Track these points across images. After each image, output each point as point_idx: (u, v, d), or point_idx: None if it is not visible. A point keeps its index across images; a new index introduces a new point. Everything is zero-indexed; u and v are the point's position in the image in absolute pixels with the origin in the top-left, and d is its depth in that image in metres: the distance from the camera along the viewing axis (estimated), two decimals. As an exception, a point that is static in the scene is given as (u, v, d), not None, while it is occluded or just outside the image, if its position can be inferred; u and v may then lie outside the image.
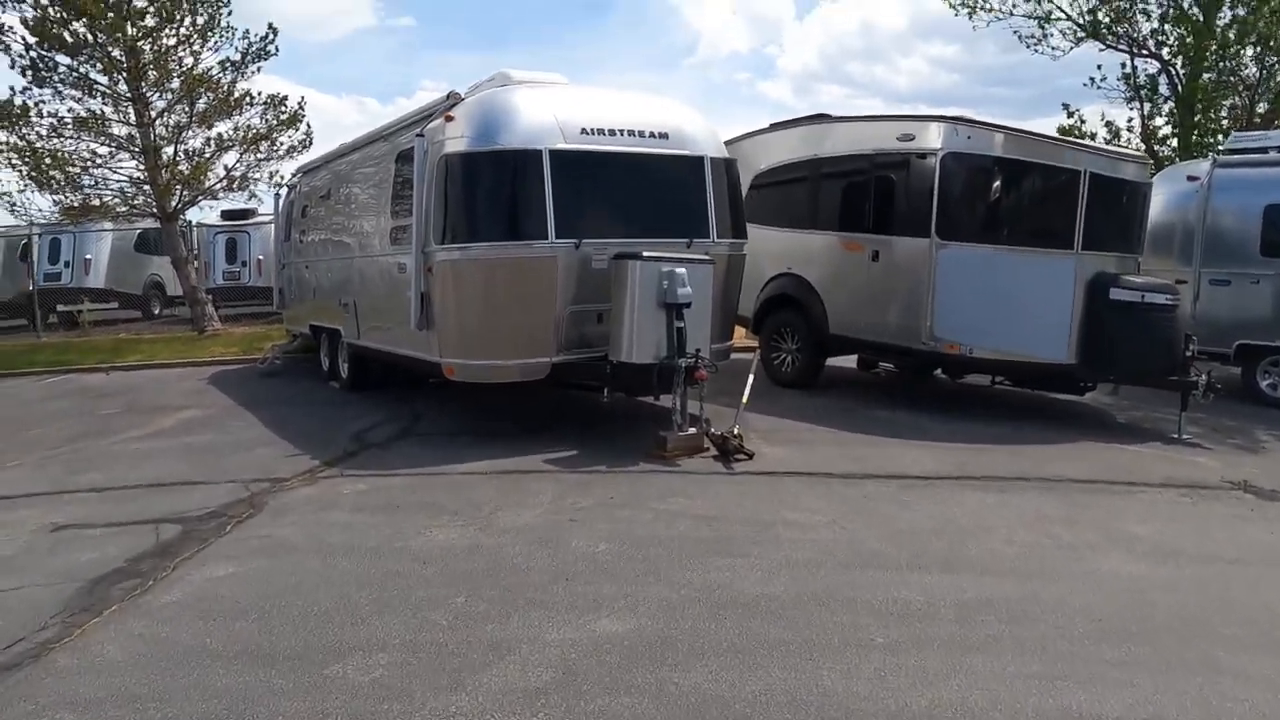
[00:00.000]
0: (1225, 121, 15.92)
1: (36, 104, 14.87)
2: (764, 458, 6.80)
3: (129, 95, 15.46)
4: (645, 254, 6.92)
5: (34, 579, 4.68)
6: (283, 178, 16.37)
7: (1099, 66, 17.37)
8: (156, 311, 20.97)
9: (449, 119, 7.41)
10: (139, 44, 15.02)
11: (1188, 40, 15.19)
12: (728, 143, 9.24)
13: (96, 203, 16.07)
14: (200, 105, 15.93)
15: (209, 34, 15.73)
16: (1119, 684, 3.41)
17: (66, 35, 14.67)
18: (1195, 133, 15.49)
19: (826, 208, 9.98)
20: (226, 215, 20.45)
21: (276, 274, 13.15)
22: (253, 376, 12.03)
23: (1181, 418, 7.90)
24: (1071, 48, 16.14)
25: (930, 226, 8.56)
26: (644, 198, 7.68)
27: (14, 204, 15.81)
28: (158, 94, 15.71)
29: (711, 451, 6.90)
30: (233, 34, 15.86)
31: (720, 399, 7.62)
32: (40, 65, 14.85)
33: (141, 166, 15.93)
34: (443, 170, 7.32)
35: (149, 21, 15.11)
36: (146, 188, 16.05)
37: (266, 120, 16.51)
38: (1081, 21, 15.68)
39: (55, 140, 15.18)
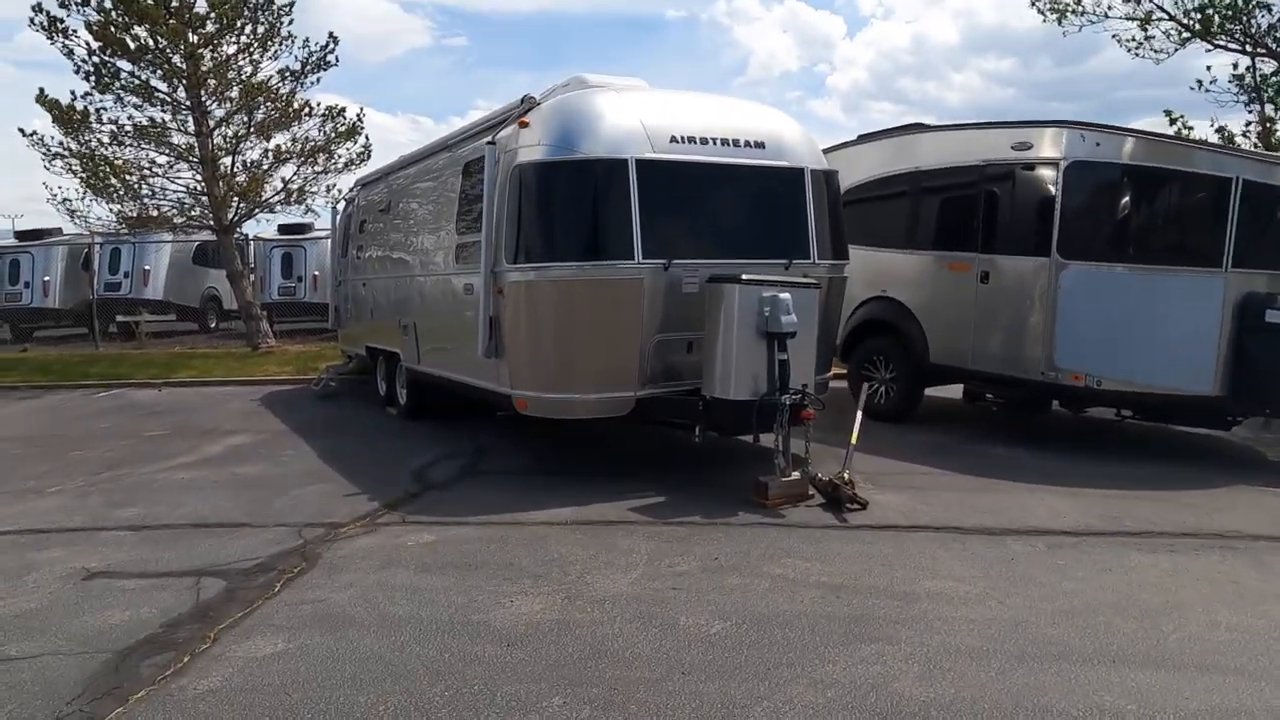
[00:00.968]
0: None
1: (97, 110, 14.65)
2: (878, 506, 5.97)
3: (188, 104, 15.16)
4: (745, 277, 6.15)
5: (56, 643, 4.03)
6: (340, 191, 15.98)
7: (1209, 68, 16.20)
8: (213, 324, 20.85)
9: (523, 125, 6.73)
10: (199, 50, 14.70)
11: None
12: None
13: (154, 213, 15.79)
14: (259, 115, 15.60)
15: (269, 43, 15.39)
16: None
17: (129, 40, 14.41)
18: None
19: (927, 225, 9.13)
20: (283, 229, 20.20)
21: (332, 291, 12.61)
22: (306, 398, 11.47)
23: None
24: (1176, 49, 15.03)
25: (1051, 244, 7.69)
26: (738, 214, 6.91)
27: (74, 211, 15.60)
28: (216, 103, 15.41)
29: (818, 499, 6.09)
30: (293, 42, 15.51)
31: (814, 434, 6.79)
32: (103, 71, 14.62)
33: (199, 177, 15.62)
34: (516, 181, 6.64)
35: (210, 28, 14.80)
36: (204, 199, 15.73)
37: (325, 132, 16.13)
38: (1188, 21, 14.57)
39: (115, 148, 14.94)
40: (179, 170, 15.81)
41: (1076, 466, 7.20)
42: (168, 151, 15.60)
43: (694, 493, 6.32)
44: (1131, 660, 3.73)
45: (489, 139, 6.91)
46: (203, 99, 15.21)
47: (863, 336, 9.50)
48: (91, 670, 3.77)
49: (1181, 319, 7.47)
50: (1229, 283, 7.43)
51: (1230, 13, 14.11)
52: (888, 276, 9.28)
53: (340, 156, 16.26)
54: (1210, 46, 15.05)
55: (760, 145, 6.91)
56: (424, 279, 8.68)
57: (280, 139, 16.00)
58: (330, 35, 15.89)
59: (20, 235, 21.25)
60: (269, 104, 15.59)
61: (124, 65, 14.79)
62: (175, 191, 15.82)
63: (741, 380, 6.15)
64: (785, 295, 6.12)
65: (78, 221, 15.84)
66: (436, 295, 8.33)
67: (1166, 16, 15.17)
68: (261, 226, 19.58)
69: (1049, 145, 7.85)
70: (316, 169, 16.25)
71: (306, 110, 15.78)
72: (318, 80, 15.94)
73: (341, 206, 12.61)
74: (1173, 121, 14.75)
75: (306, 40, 15.59)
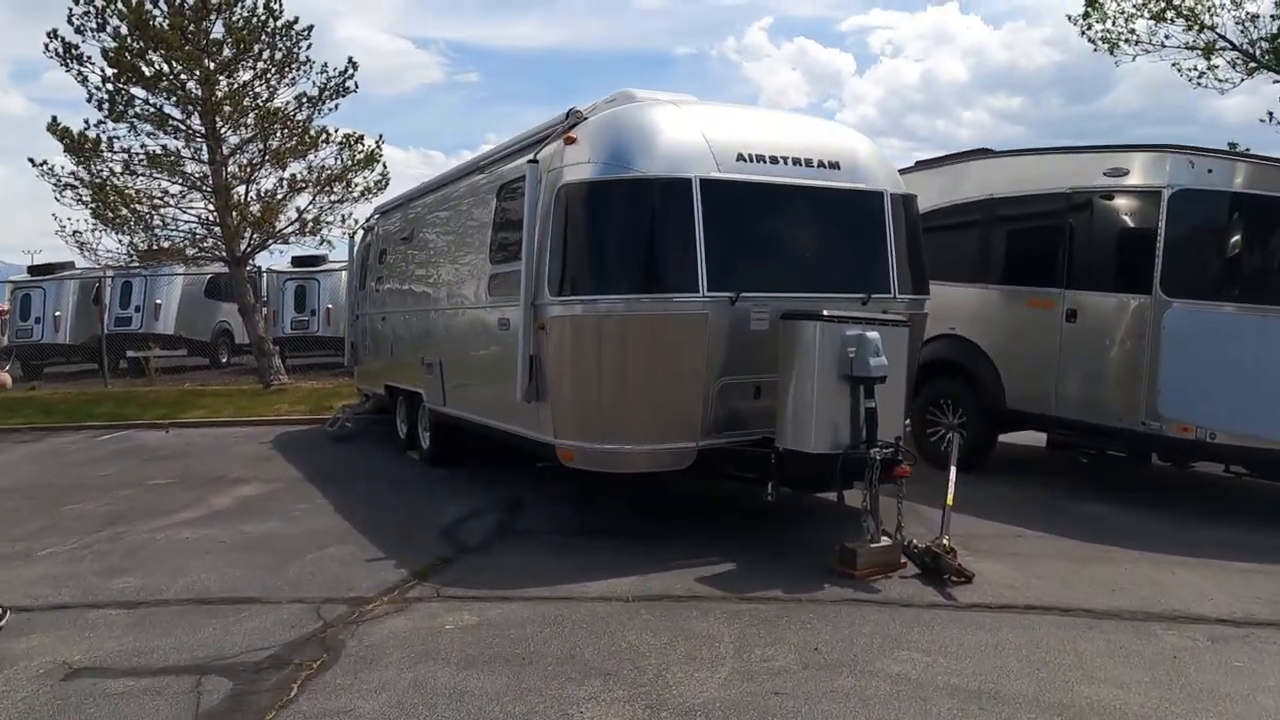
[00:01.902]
0: None
1: (110, 138, 14.09)
2: (983, 579, 5.14)
3: (202, 131, 14.60)
4: (827, 313, 5.38)
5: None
6: (356, 221, 15.36)
7: (1281, 99, 15.46)
8: (224, 359, 20.25)
9: (569, 141, 6.01)
10: (215, 76, 14.15)
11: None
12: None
13: (165, 244, 15.18)
14: (274, 143, 15.02)
15: (287, 68, 14.85)
16: None
17: (144, 67, 13.87)
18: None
19: (1002, 257, 8.35)
20: (296, 261, 19.61)
21: (349, 326, 11.87)
22: (320, 440, 10.71)
23: None
24: (1242, 79, 14.33)
25: (1153, 280, 6.89)
26: (811, 242, 6.17)
27: (84, 243, 15.01)
28: (231, 130, 14.84)
29: (910, 568, 5.27)
30: (310, 68, 14.95)
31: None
32: (117, 98, 14.08)
33: (211, 207, 15.03)
34: (562, 204, 5.91)
35: (226, 53, 14.27)
36: (216, 229, 15.13)
37: (342, 160, 15.53)
38: (1255, 51, 13.88)
39: (127, 177, 14.37)
40: (191, 200, 15.26)
41: (1187, 530, 6.35)
42: (180, 181, 15.05)
43: (766, 558, 5.51)
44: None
45: (530, 157, 6.19)
46: (217, 126, 14.66)
47: (928, 378, 8.67)
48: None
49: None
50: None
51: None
52: (956, 312, 8.47)
53: (357, 185, 15.66)
54: (1278, 77, 14.36)
55: (835, 165, 6.17)
56: (451, 313, 7.94)
57: (296, 168, 15.45)
58: (350, 60, 15.38)
59: (33, 270, 20.87)
60: (284, 130, 15.03)
61: (138, 92, 14.29)
62: (187, 222, 15.25)
63: (822, 430, 5.35)
64: (873, 334, 5.34)
65: (87, 254, 15.25)
66: (466, 331, 7.59)
67: (1230, 46, 14.49)
68: (275, 258, 19.03)
69: (1150, 172, 7.09)
70: (333, 198, 15.64)
71: (324, 137, 15.19)
72: (336, 107, 15.34)
73: (359, 236, 11.93)
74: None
75: (325, 65, 15.05)
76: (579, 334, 5.81)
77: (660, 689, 3.73)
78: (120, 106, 14.20)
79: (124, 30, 13.88)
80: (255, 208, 15.12)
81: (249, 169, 15.16)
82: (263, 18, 14.49)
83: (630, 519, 6.69)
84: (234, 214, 14.94)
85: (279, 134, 15.05)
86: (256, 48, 14.56)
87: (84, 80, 14.07)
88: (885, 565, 5.32)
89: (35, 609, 4.95)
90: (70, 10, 13.82)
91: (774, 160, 5.95)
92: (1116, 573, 5.38)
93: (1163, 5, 14.57)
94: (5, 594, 4.99)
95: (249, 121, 14.89)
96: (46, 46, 13.99)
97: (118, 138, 14.38)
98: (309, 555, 5.83)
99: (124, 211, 14.25)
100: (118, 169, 14.46)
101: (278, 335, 17.92)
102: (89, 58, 14.04)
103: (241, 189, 15.18)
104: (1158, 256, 6.88)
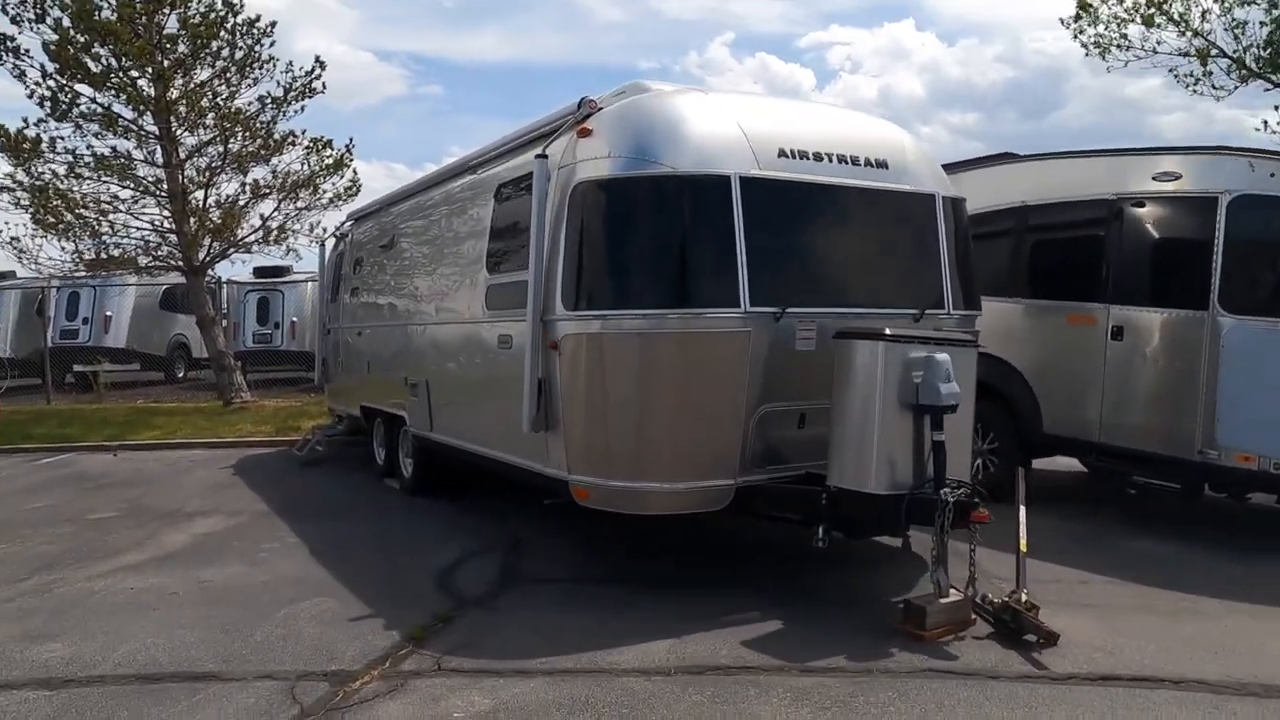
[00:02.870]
0: None
1: (51, 138, 13.00)
2: (1067, 639, 4.43)
3: (156, 133, 13.59)
4: (889, 331, 4.68)
5: None
6: (325, 229, 14.45)
7: (1276, 107, 15.16)
8: (180, 374, 19.17)
9: (583, 134, 5.27)
10: (170, 73, 13.15)
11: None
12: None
13: (116, 252, 14.12)
14: (234, 146, 14.04)
15: (248, 68, 13.89)
16: None
17: (90, 62, 12.84)
18: None
19: (1036, 269, 7.74)
20: (259, 272, 18.61)
21: (319, 340, 10.95)
22: (288, 465, 9.81)
23: None
24: (1236, 87, 14.02)
25: (1210, 294, 6.32)
26: (859, 251, 5.47)
27: (22, 251, 13.89)
28: (188, 132, 13.85)
29: (979, 624, 4.58)
30: (274, 66, 14.00)
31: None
32: (59, 97, 13.02)
33: (166, 213, 14.01)
34: (576, 205, 5.15)
35: (182, 49, 13.28)
36: (171, 236, 14.11)
37: (309, 165, 14.60)
38: (1247, 60, 13.59)
39: (71, 180, 13.29)
40: (144, 206, 14.21)
41: (1259, 572, 5.74)
42: (132, 185, 13.99)
43: (814, 613, 4.78)
44: None
45: (539, 151, 5.41)
46: (172, 127, 13.65)
47: (955, 399, 8.03)
48: None
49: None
50: None
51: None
52: (986, 329, 7.72)
53: (325, 192, 14.75)
54: (1269, 86, 14.07)
55: (883, 165, 5.48)
56: (440, 328, 7.13)
57: (259, 173, 14.48)
58: (317, 59, 14.42)
59: (-31, 282, 19.55)
60: (246, 133, 14.06)
61: (84, 89, 13.21)
62: (139, 229, 14.20)
63: (883, 468, 4.64)
64: (943, 356, 4.64)
65: (26, 262, 14.13)
66: (458, 348, 6.79)
67: (1221, 53, 14.20)
68: (236, 269, 18.02)
69: (1205, 176, 6.53)
70: (299, 205, 14.70)
71: (290, 141, 14.25)
72: (302, 109, 14.38)
73: (330, 244, 11.04)
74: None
75: (290, 64, 14.11)
76: (597, 354, 5.04)
77: (737, 806, 2.97)
78: (64, 105, 13.13)
79: (66, 22, 12.81)
80: (215, 214, 14.12)
81: (208, 173, 14.18)
82: (221, 12, 13.51)
83: (648, 561, 5.92)
84: (191, 221, 13.94)
85: (240, 136, 14.09)
86: (215, 44, 13.59)
87: (21, 76, 12.98)
88: (955, 623, 4.61)
89: (-60, 690, 4.06)
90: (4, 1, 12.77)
91: (818, 157, 5.24)
92: (1212, 630, 4.72)
93: (1152, 11, 14.28)
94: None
95: (208, 122, 13.92)
96: (-23, 37, 12.90)
97: (61, 138, 13.32)
98: (280, 612, 4.97)
99: (68, 217, 13.19)
100: (61, 171, 13.41)
101: (239, 349, 16.94)
102: (27, 51, 12.96)
103: (200, 194, 14.19)
104: (1215, 269, 6.31)
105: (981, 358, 7.67)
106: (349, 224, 10.38)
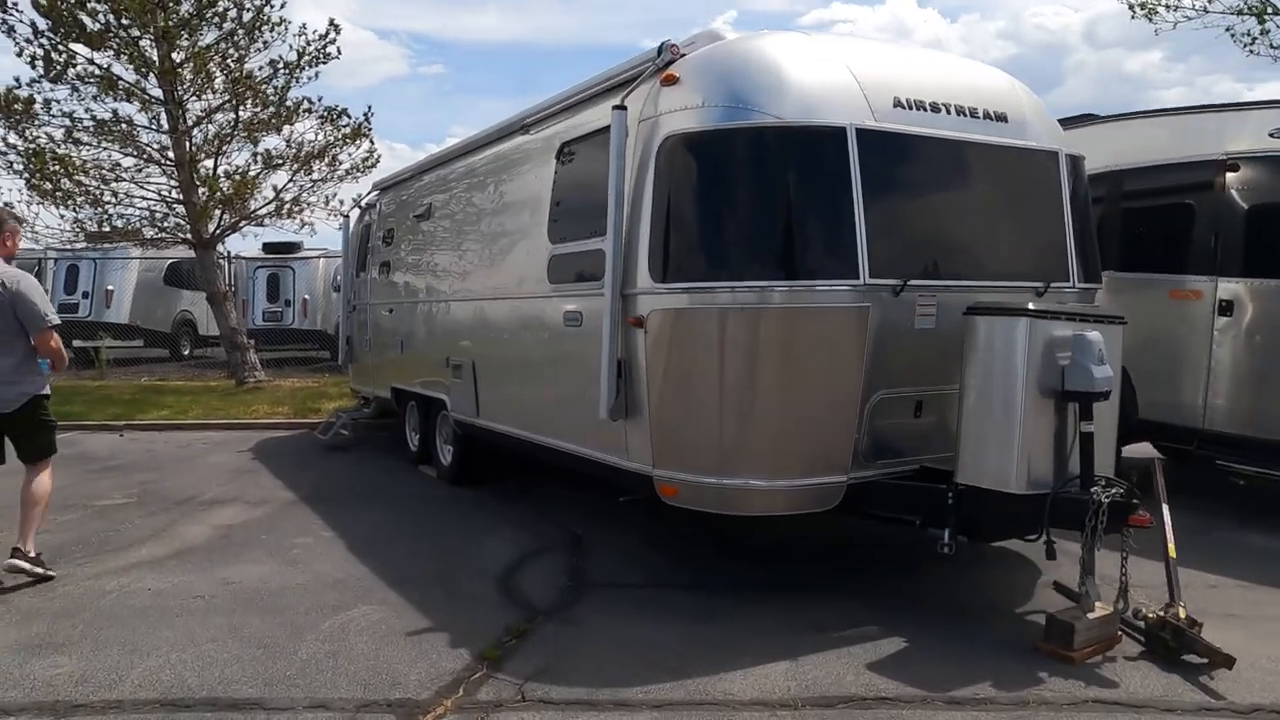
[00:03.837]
0: None
1: (46, 100, 12.26)
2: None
3: (160, 97, 12.87)
4: (1033, 307, 4.06)
5: None
6: (342, 202, 13.78)
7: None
8: (186, 352, 18.55)
9: (668, 81, 4.61)
10: (174, 33, 12.39)
11: None
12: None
13: (120, 222, 13.44)
14: (244, 113, 13.33)
15: (256, 31, 13.15)
16: None
17: (86, 19, 12.07)
18: None
19: (1132, 240, 7.11)
20: (268, 248, 17.95)
21: (343, 318, 10.30)
22: (312, 449, 9.20)
23: None
24: (1294, 46, 13.35)
25: (1343, 265, 5.71)
26: (980, 215, 4.83)
27: (18, 218, 13.17)
28: (195, 97, 13.13)
29: (1126, 641, 4.01)
30: (285, 29, 13.26)
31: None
32: (53, 56, 12.26)
33: (174, 182, 13.31)
34: (664, 162, 4.51)
35: (185, 7, 12.52)
36: (179, 208, 13.42)
37: (324, 135, 13.90)
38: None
39: (70, 145, 12.58)
40: (149, 174, 13.53)
41: None
42: (135, 153, 13.30)
43: (939, 627, 4.19)
44: None
45: (617, 102, 4.76)
46: (178, 93, 12.93)
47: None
48: None
49: None
50: None
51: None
52: (1073, 306, 7.23)
53: (342, 163, 14.05)
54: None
55: (1002, 118, 4.84)
56: (489, 304, 6.49)
57: (271, 142, 13.79)
58: (331, 22, 13.69)
59: (-38, 251, 18.82)
60: (256, 100, 13.34)
61: (80, 49, 12.46)
62: (144, 199, 13.52)
63: (1024, 464, 4.03)
64: (1095, 335, 4.03)
65: (22, 231, 13.41)
66: (512, 326, 6.16)
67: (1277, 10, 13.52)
68: (247, 242, 17.36)
69: (1338, 132, 5.90)
70: (314, 177, 14.01)
71: (305, 109, 13.54)
72: (316, 75, 13.66)
73: (355, 215, 10.37)
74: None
75: (304, 27, 13.37)
76: (690, 332, 4.43)
77: None
78: (58, 66, 12.38)
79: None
80: (225, 185, 13.43)
81: (216, 141, 13.47)
82: (228, -31, 12.77)
83: (729, 560, 5.33)
84: (201, 191, 13.26)
85: (250, 102, 13.38)
86: (221, 4, 12.84)
87: (11, 32, 12.21)
88: (1103, 642, 4.03)
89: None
90: (-11, -52, 11.97)
91: (935, 108, 4.59)
92: (1394, 647, 4.14)
93: None
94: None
95: (216, 86, 13.20)
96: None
97: (57, 100, 12.59)
98: (324, 623, 4.37)
99: (67, 184, 12.47)
100: (58, 135, 12.69)
101: (248, 327, 16.31)
102: (15, 4, 12.14)
103: (209, 163, 13.50)
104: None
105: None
106: (375, 194, 9.71)
